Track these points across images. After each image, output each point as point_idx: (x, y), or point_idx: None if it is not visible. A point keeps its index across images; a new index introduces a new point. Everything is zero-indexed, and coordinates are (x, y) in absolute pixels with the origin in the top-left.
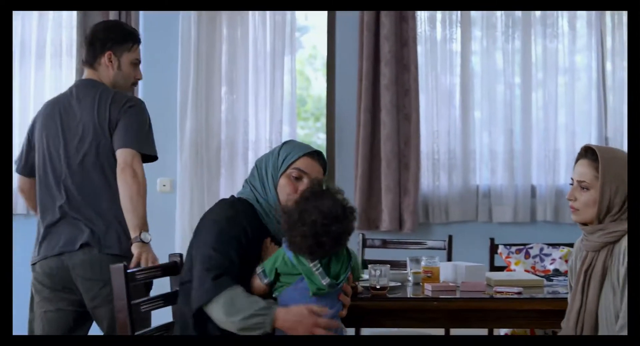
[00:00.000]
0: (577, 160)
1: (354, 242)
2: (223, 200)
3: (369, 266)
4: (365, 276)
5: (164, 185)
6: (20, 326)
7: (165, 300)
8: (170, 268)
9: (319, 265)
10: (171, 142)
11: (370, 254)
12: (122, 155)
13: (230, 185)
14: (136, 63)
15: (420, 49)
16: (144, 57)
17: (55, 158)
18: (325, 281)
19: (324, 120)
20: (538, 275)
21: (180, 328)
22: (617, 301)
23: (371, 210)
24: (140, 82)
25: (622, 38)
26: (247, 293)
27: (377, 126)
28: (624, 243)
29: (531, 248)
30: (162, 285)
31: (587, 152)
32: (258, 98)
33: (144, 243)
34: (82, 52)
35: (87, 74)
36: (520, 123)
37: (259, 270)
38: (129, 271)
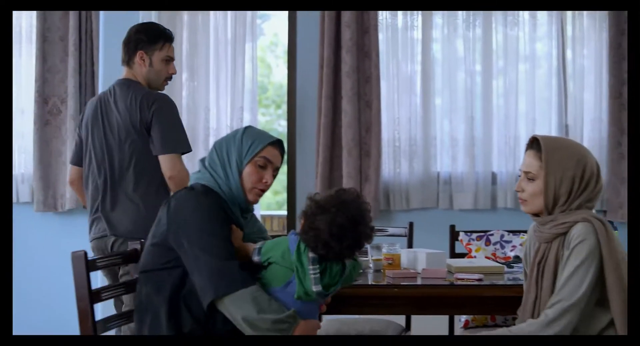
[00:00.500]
0: (525, 151)
1: None
2: (194, 189)
3: None
4: None
5: None
6: (20, 326)
7: (126, 287)
8: (131, 256)
9: (317, 270)
10: None
11: None
12: (164, 162)
13: (191, 171)
14: (168, 60)
15: (381, 36)
16: (106, 45)
17: (98, 154)
18: (316, 288)
19: (285, 107)
20: (498, 262)
21: (149, 318)
22: None
23: None
24: (100, 67)
25: (582, 26)
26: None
27: (338, 113)
28: (574, 231)
29: (492, 235)
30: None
31: (534, 143)
32: (219, 85)
33: None
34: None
35: (124, 72)
36: (481, 110)
37: (258, 245)
38: (89, 258)
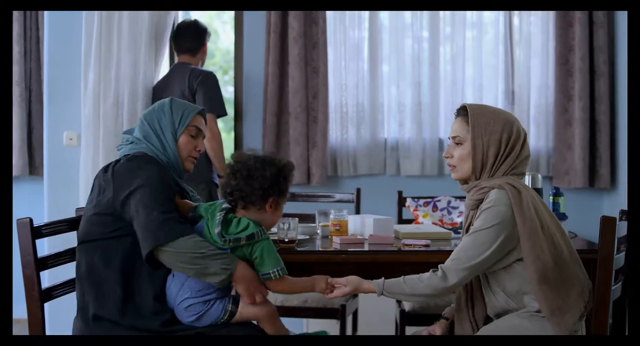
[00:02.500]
0: (455, 118)
1: None
2: (136, 158)
3: None
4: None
5: (71, 139)
6: (19, 326)
7: (73, 255)
8: (77, 222)
9: (222, 215)
10: (76, 94)
11: None
12: (209, 119)
13: None
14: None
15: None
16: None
17: None
18: (217, 229)
19: (232, 73)
20: (445, 228)
21: (96, 290)
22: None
23: None
24: (45, 33)
25: None
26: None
27: (285, 79)
28: (487, 199)
29: (439, 201)
30: (68, 240)
31: (461, 110)
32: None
33: None
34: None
35: (182, 58)
36: (428, 76)
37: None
38: (35, 225)
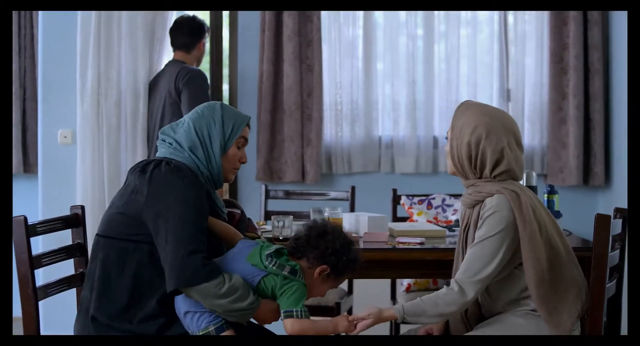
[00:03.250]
0: None
1: (257, 194)
2: (180, 170)
3: (272, 217)
4: (268, 227)
5: (65, 137)
6: (14, 324)
7: (67, 252)
8: (72, 220)
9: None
10: (71, 92)
11: (274, 205)
12: None
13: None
14: (204, 44)
15: None
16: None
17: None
18: (269, 251)
19: (226, 70)
20: (440, 226)
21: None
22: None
23: (274, 161)
24: (40, 30)
25: None
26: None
27: (279, 77)
28: (487, 202)
29: (433, 199)
30: (63, 238)
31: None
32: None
33: None
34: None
35: (176, 55)
36: (423, 74)
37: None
38: (29, 223)
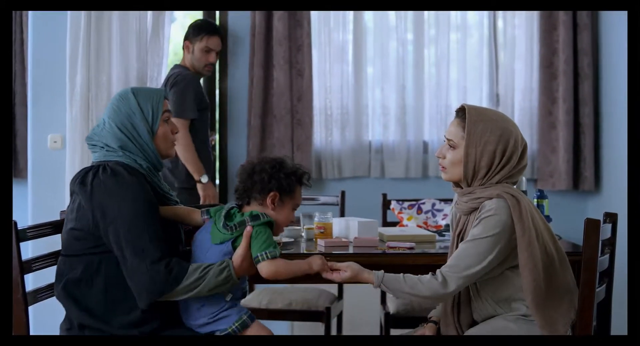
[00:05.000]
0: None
1: None
2: (115, 173)
3: None
4: None
5: (55, 142)
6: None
7: (57, 258)
8: (62, 225)
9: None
10: (61, 97)
11: None
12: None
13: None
14: (207, 50)
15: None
16: (35, 13)
17: None
18: (221, 222)
19: (217, 76)
20: (430, 230)
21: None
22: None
23: None
24: (29, 35)
25: None
26: (194, 265)
27: (269, 82)
28: (487, 207)
29: (423, 203)
30: (53, 243)
31: (460, 112)
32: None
33: (204, 183)
34: None
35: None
36: (413, 79)
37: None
38: (19, 228)
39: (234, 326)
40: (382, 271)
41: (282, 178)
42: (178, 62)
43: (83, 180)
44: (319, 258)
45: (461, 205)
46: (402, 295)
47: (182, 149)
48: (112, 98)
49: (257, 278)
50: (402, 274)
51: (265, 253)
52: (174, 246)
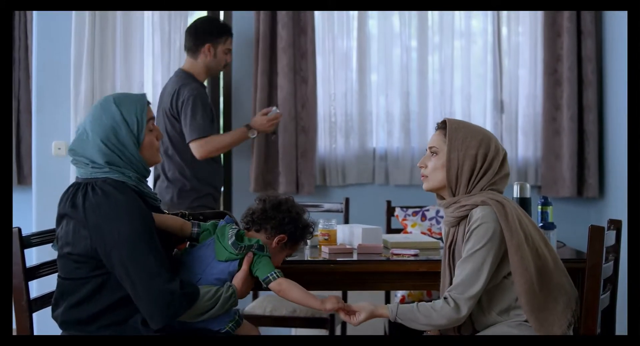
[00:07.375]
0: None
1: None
2: (106, 193)
3: None
4: None
5: (59, 149)
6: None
7: None
8: None
9: (235, 230)
10: (65, 104)
11: None
12: (192, 147)
13: None
14: (228, 51)
15: (317, 11)
16: (39, 20)
17: None
18: (230, 240)
19: (221, 83)
20: (434, 237)
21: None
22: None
23: (268, 173)
24: (34, 42)
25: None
26: (203, 288)
27: (274, 89)
28: (473, 215)
29: (427, 210)
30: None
31: (441, 124)
32: (154, 60)
33: (255, 134)
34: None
35: (185, 62)
36: (417, 86)
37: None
38: (23, 235)
39: (229, 326)
40: (396, 303)
41: (298, 228)
42: (180, 67)
43: (74, 203)
44: (333, 298)
45: (448, 218)
46: (419, 326)
47: (215, 151)
48: (93, 108)
49: (261, 286)
50: (415, 303)
51: (274, 273)
52: (169, 256)
